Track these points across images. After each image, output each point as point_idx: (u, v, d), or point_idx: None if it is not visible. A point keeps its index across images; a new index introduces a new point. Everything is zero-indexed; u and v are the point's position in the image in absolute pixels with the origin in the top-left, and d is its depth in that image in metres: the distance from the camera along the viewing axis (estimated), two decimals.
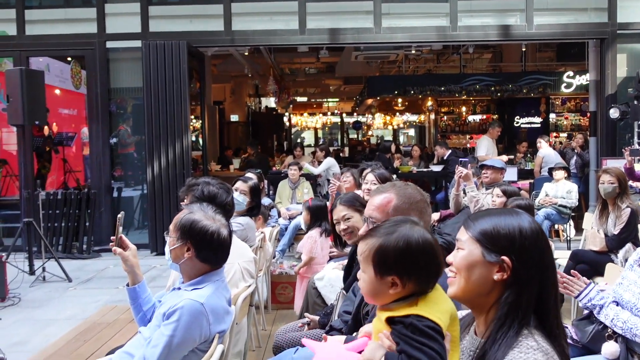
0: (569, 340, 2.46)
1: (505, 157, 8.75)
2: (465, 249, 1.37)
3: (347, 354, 1.37)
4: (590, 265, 4.44)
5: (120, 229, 2.40)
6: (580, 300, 2.49)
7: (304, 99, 20.75)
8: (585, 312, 2.52)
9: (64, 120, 10.26)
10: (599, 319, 2.43)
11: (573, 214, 7.19)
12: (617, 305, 2.57)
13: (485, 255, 1.34)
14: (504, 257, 1.32)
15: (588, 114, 9.84)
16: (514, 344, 1.26)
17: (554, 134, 14.59)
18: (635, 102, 7.27)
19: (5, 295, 5.45)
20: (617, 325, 2.36)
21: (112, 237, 2.39)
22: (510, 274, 1.32)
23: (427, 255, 1.33)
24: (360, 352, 1.37)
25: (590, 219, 5.33)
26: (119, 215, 2.40)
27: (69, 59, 9.83)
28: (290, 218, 7.18)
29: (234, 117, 16.25)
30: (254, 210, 4.07)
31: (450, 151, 9.63)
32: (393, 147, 10.41)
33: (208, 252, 2.18)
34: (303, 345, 2.53)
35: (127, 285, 2.45)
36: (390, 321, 1.30)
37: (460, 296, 1.37)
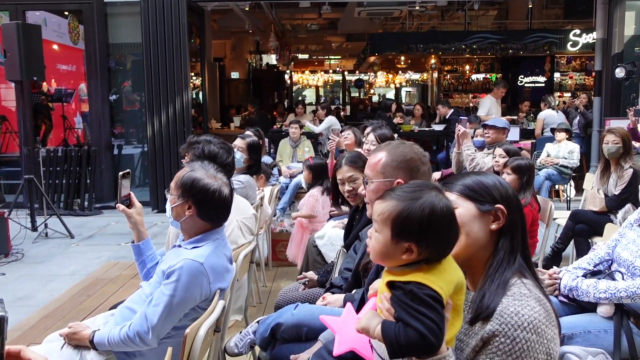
0: (564, 299, 2.50)
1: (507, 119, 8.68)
2: (460, 207, 1.42)
3: (346, 332, 1.35)
4: (589, 225, 4.46)
5: (127, 185, 2.39)
6: (563, 293, 2.49)
7: (306, 56, 20.45)
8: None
9: (62, 77, 10.15)
10: (581, 300, 2.43)
11: (574, 175, 7.18)
12: (611, 265, 2.59)
13: (480, 207, 1.42)
14: (499, 206, 1.42)
15: (593, 74, 9.72)
16: (507, 290, 1.33)
17: (558, 94, 14.44)
18: None
19: (9, 251, 5.51)
20: (601, 298, 2.37)
21: (123, 195, 2.38)
22: (505, 221, 1.41)
23: (449, 226, 1.29)
24: None
25: (591, 179, 5.33)
26: (120, 173, 2.38)
27: (67, 13, 9.65)
28: (291, 176, 7.18)
29: (235, 74, 16.06)
30: (254, 167, 4.06)
31: (452, 110, 9.55)
32: (394, 106, 10.33)
33: (209, 210, 2.18)
34: (303, 302, 2.57)
35: (132, 242, 2.48)
36: (391, 285, 1.27)
37: (462, 254, 1.39)
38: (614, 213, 4.45)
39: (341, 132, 5.48)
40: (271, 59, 18.03)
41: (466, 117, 7.61)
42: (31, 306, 4.28)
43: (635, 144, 6.12)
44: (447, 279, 1.26)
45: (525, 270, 1.39)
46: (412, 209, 1.27)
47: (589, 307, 2.49)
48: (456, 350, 1.35)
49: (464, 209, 1.42)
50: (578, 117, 8.81)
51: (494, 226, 1.41)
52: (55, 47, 9.70)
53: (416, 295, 1.21)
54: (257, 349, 2.60)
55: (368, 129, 4.41)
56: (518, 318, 1.25)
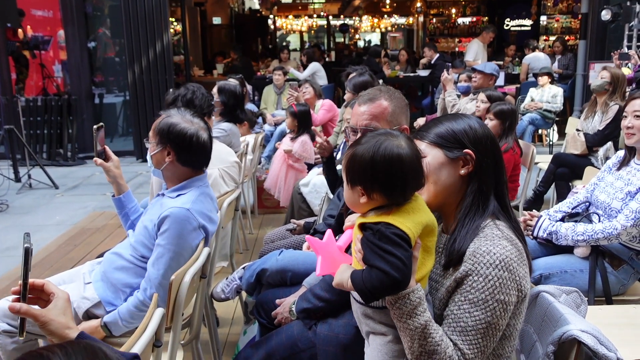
0: (542, 241, 2.56)
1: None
2: (428, 155, 1.43)
3: (341, 256, 1.41)
4: (571, 168, 4.53)
5: (102, 138, 2.37)
6: (537, 235, 2.54)
7: (289, 0, 19.95)
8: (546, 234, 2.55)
9: (38, 23, 9.82)
10: (560, 244, 2.48)
11: (557, 119, 7.22)
12: (589, 207, 2.65)
13: (447, 154, 1.42)
14: (467, 150, 1.41)
15: (579, 16, 9.63)
16: (479, 231, 1.35)
17: (544, 37, 14.32)
18: (628, 3, 7.09)
19: None
20: (579, 240, 2.43)
21: (99, 148, 2.36)
22: (474, 165, 1.41)
23: (389, 170, 1.31)
24: (348, 247, 1.43)
25: (574, 123, 5.37)
26: (95, 127, 2.36)
27: None
28: (276, 124, 7.13)
29: (217, 20, 15.63)
30: (234, 113, 4.02)
31: (438, 55, 9.44)
32: (383, 53, 10.18)
33: (188, 155, 2.18)
34: (288, 248, 2.61)
35: (113, 196, 2.48)
36: (362, 227, 1.34)
37: (433, 201, 1.43)
38: (594, 152, 4.50)
39: (299, 86, 5.46)
40: (254, 3, 17.55)
41: (448, 63, 7.56)
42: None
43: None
44: (415, 220, 1.30)
45: (499, 213, 1.41)
46: (356, 153, 1.34)
47: (566, 248, 2.56)
48: (431, 291, 1.40)
49: (432, 157, 1.43)
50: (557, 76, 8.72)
51: (463, 171, 1.42)
52: None
53: (383, 233, 1.27)
54: (243, 294, 2.66)
55: (352, 74, 4.36)
56: (490, 257, 1.28)
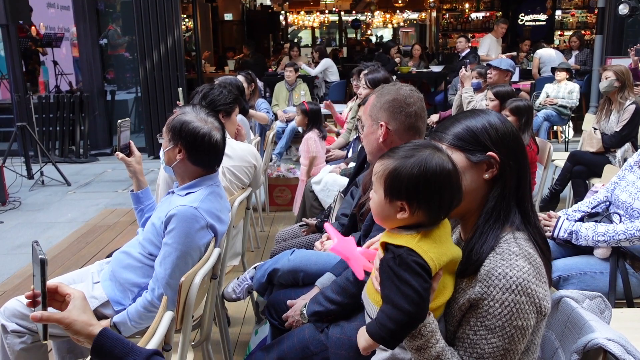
0: (560, 241, 2.49)
1: (507, 56, 8.46)
2: None
3: (358, 255, 1.35)
4: (587, 166, 4.45)
5: (126, 134, 2.37)
6: (556, 236, 2.47)
7: None
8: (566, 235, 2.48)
9: (51, 20, 9.87)
10: (580, 244, 2.42)
11: (573, 115, 7.10)
12: (609, 207, 2.58)
13: (470, 157, 1.33)
14: (491, 153, 1.32)
15: (595, 10, 9.47)
16: (497, 246, 1.27)
17: (559, 32, 14.13)
18: None
19: (6, 199, 5.50)
20: (600, 241, 2.36)
21: (123, 143, 2.37)
22: (498, 168, 1.32)
23: (441, 185, 1.25)
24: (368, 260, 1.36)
25: (590, 120, 5.27)
26: (119, 121, 2.35)
27: None
28: (288, 121, 7.09)
29: (228, 16, 15.60)
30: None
31: (469, 50, 9.05)
32: (393, 50, 10.01)
33: (199, 154, 2.14)
34: (299, 247, 2.57)
35: (132, 191, 2.47)
36: (385, 247, 1.27)
37: (456, 210, 1.34)
38: (612, 152, 4.41)
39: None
40: None
41: (467, 60, 7.45)
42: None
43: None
44: (441, 250, 1.24)
45: (519, 221, 1.32)
46: (403, 167, 1.26)
47: (585, 249, 2.49)
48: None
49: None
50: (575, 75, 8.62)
51: (487, 175, 1.33)
52: None
53: (404, 260, 1.21)
54: (254, 293, 2.62)
55: (363, 71, 4.30)
56: (506, 280, 1.21)
